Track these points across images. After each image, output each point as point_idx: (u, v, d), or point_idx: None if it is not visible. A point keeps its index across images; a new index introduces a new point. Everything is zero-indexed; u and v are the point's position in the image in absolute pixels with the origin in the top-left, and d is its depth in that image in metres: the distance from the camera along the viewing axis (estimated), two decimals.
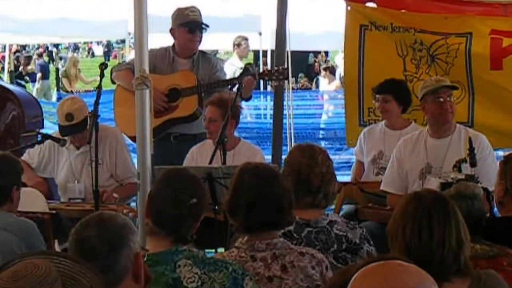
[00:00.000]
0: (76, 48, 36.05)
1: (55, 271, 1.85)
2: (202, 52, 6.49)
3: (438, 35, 6.44)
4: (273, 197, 3.42)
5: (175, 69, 6.28)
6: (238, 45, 11.05)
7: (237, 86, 5.61)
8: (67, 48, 35.28)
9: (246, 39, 11.17)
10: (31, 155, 5.86)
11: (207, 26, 6.33)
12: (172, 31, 6.35)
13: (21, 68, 23.39)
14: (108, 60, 31.50)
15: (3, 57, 27.83)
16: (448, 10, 6.59)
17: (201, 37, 6.32)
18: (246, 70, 5.85)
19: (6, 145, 6.35)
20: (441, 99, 5.27)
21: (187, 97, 6.11)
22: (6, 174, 4.23)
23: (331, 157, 4.03)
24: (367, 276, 1.80)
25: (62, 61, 29.10)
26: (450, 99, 5.30)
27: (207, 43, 9.45)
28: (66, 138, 5.64)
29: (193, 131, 6.18)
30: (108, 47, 35.38)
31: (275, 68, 6.21)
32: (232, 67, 10.25)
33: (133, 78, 5.03)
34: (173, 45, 6.35)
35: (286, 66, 6.70)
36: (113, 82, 6.48)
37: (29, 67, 23.70)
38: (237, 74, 8.01)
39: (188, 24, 6.26)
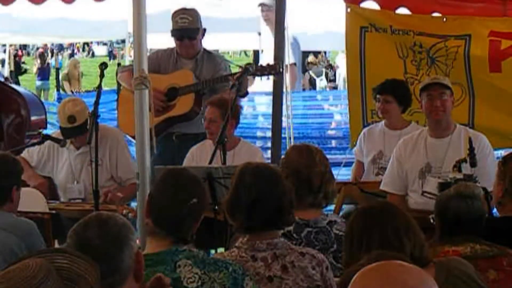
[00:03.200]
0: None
1: (46, 271, 1.85)
2: (208, 51, 6.45)
3: (437, 38, 6.45)
4: (273, 197, 3.42)
5: (179, 69, 6.27)
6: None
7: (232, 85, 5.60)
8: (67, 48, 35.30)
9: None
10: (30, 153, 5.87)
11: (197, 30, 6.24)
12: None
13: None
14: (114, 59, 31.48)
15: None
16: (447, 7, 6.58)
17: (195, 41, 6.24)
18: (246, 70, 5.84)
19: (12, 141, 6.38)
20: (431, 96, 5.28)
21: (185, 95, 6.10)
22: (6, 174, 4.22)
23: (331, 157, 4.05)
24: (367, 275, 1.80)
25: (62, 61, 29.12)
26: (442, 97, 5.28)
27: (207, 43, 9.46)
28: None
29: (194, 131, 6.16)
30: (112, 47, 35.39)
31: (267, 63, 6.19)
32: None
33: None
34: None
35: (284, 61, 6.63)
36: (119, 84, 6.51)
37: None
38: None
39: (175, 32, 6.22)
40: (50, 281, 1.83)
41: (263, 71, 6.07)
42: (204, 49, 6.42)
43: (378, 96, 6.03)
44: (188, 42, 6.23)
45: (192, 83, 6.13)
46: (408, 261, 1.88)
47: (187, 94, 6.11)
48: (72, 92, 18.56)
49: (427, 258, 2.96)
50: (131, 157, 5.75)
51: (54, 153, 5.83)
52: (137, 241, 2.68)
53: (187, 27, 6.20)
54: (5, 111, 6.82)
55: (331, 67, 22.73)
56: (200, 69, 6.29)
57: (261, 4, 7.93)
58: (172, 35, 6.25)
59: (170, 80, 6.17)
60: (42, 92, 22.06)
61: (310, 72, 20.39)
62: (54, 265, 1.90)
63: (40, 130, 6.82)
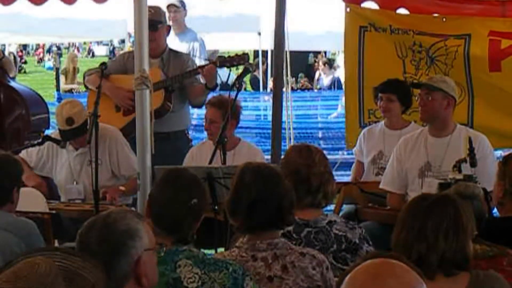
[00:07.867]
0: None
1: (55, 269, 1.85)
2: (173, 51, 6.49)
3: (437, 37, 6.45)
4: (274, 197, 3.42)
5: None
6: None
7: (233, 84, 5.58)
8: (67, 48, 35.27)
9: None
10: (29, 154, 5.85)
11: (159, 22, 6.22)
12: None
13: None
14: None
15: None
16: (446, 8, 6.59)
17: (157, 33, 6.17)
18: (246, 70, 5.85)
19: (11, 147, 6.34)
20: (420, 95, 5.38)
21: (154, 92, 6.06)
22: (8, 175, 4.22)
23: (330, 157, 4.05)
24: (353, 276, 1.81)
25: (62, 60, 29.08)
26: (427, 98, 5.31)
27: (206, 43, 9.46)
28: None
29: (165, 129, 6.14)
30: (112, 46, 35.29)
31: (236, 54, 6.17)
32: None
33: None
34: None
35: (284, 65, 6.61)
36: (86, 87, 6.48)
37: None
38: None
39: None
40: (59, 280, 1.84)
41: (232, 61, 6.08)
42: (170, 49, 6.44)
43: (380, 94, 6.02)
44: (150, 34, 6.09)
45: (160, 80, 6.12)
46: (406, 262, 1.88)
47: (156, 91, 6.07)
48: (72, 92, 18.52)
49: (460, 264, 2.96)
50: (131, 154, 5.72)
51: (53, 154, 5.82)
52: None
53: (153, 18, 6.00)
54: (6, 111, 6.79)
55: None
56: (167, 67, 6.31)
57: (169, 5, 7.94)
58: None
59: None
60: None
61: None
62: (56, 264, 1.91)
63: (42, 130, 6.79)
